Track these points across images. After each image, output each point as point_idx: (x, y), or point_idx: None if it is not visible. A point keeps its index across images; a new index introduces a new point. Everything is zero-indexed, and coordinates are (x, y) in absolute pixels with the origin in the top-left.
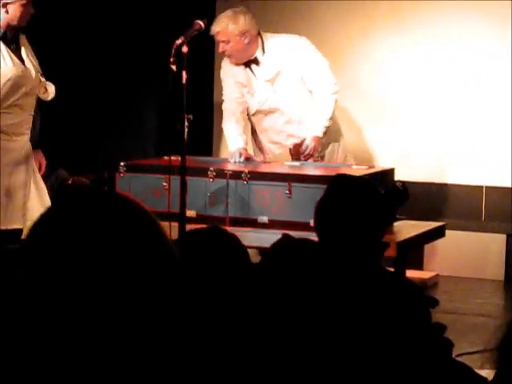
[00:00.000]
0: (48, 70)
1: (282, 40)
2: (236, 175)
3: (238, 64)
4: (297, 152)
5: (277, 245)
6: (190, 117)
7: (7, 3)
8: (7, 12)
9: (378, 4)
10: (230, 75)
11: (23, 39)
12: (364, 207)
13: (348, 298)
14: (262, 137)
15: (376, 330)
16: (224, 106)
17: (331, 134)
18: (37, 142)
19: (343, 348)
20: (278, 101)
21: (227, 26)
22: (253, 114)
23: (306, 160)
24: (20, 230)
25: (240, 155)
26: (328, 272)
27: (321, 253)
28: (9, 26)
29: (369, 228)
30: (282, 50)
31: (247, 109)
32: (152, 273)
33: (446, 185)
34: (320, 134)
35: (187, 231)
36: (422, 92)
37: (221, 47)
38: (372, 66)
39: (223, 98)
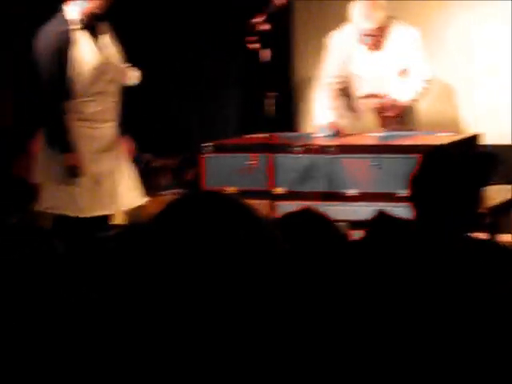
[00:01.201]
0: (131, 56)
1: (400, 28)
2: (323, 150)
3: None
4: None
5: (373, 221)
6: (276, 94)
7: None
8: (81, 4)
9: None
10: (338, 50)
11: (105, 27)
12: (459, 177)
13: (448, 273)
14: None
15: (471, 305)
16: (321, 80)
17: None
18: (123, 128)
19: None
20: (381, 75)
21: (380, 19)
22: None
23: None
24: (110, 216)
25: (329, 128)
26: (427, 249)
27: (419, 228)
28: (90, 15)
29: (466, 198)
30: (401, 38)
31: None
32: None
33: None
34: (401, 102)
35: (281, 216)
36: (505, 58)
37: (372, 39)
38: (460, 25)
39: (323, 71)
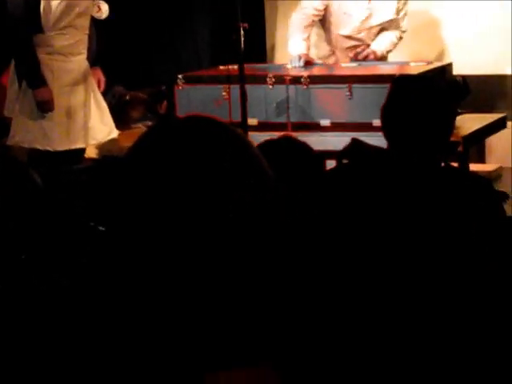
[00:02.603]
0: None
1: None
2: (295, 80)
3: None
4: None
5: (347, 150)
6: (246, 25)
7: None
8: None
9: None
10: None
11: None
12: (431, 105)
13: (422, 200)
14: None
15: (450, 232)
16: (301, 7)
17: None
18: (94, 60)
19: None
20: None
21: None
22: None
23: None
24: (83, 150)
25: (300, 59)
26: (400, 176)
27: (392, 157)
28: None
29: (438, 126)
30: None
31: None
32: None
33: (504, 76)
34: (379, 52)
35: (260, 143)
36: None
37: None
38: None
39: (304, 2)
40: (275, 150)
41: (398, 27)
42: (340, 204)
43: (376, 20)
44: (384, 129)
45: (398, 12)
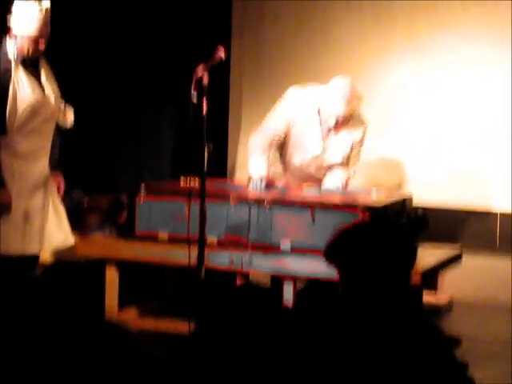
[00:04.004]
0: (67, 93)
1: (357, 120)
2: (258, 201)
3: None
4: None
5: (303, 291)
6: (210, 146)
7: (15, 35)
8: (16, 41)
9: (394, 28)
10: (292, 113)
11: (43, 63)
12: (391, 242)
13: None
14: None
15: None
16: (263, 129)
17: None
18: (56, 164)
19: None
20: (331, 156)
21: (357, 108)
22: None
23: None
24: (37, 255)
25: (261, 181)
26: (349, 317)
27: (343, 296)
28: (26, 52)
29: (396, 263)
30: (354, 131)
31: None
32: None
33: (461, 210)
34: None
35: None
36: (438, 117)
37: (339, 124)
38: (387, 90)
39: (269, 122)
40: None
41: (349, 165)
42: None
43: (328, 159)
44: (337, 261)
45: (351, 155)
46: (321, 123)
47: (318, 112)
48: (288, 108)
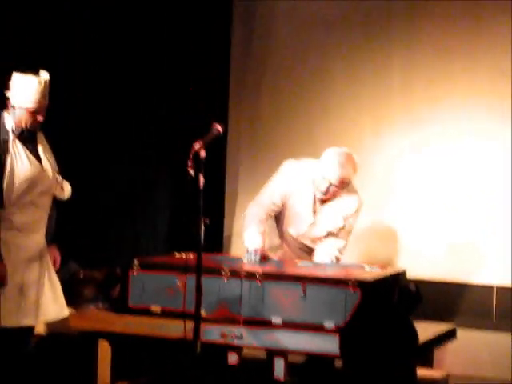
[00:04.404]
0: (65, 168)
1: (351, 191)
2: (250, 275)
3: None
4: None
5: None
6: (207, 220)
7: (13, 106)
8: (14, 114)
9: (392, 99)
10: (287, 185)
11: (41, 137)
12: (385, 311)
13: None
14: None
15: None
16: (259, 200)
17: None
18: (52, 238)
19: None
20: (324, 226)
21: (351, 176)
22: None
23: None
24: (32, 327)
25: (255, 254)
26: None
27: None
28: (24, 125)
29: (392, 336)
30: (348, 202)
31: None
32: None
33: (456, 284)
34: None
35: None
36: (435, 189)
37: (331, 191)
38: (384, 161)
39: (263, 196)
40: None
41: (340, 241)
42: None
43: (321, 230)
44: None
45: (345, 226)
46: (314, 193)
47: (313, 183)
48: (283, 180)
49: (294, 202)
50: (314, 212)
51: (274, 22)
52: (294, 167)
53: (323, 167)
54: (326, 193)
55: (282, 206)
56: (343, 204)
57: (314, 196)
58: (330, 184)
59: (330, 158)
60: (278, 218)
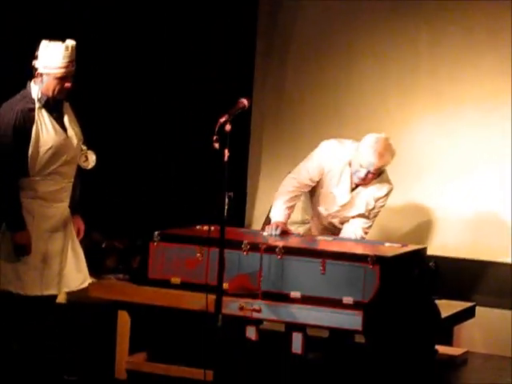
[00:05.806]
0: (89, 138)
1: (384, 178)
2: (270, 249)
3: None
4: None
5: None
6: (231, 194)
7: (41, 73)
8: (41, 82)
9: (417, 80)
10: (326, 162)
11: (67, 107)
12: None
13: None
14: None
15: None
16: (294, 176)
17: None
18: (76, 208)
19: None
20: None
21: (388, 164)
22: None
23: None
24: (54, 296)
25: (276, 228)
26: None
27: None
28: (50, 94)
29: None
30: (379, 188)
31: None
32: None
33: (476, 261)
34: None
35: None
36: (459, 169)
37: (369, 177)
38: (409, 146)
39: (300, 170)
40: None
41: (367, 222)
42: None
43: (352, 211)
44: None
45: (375, 207)
46: (351, 175)
47: (349, 164)
48: (324, 158)
49: (330, 180)
50: (349, 193)
51: None
52: (335, 146)
53: (362, 155)
54: (364, 179)
55: (317, 183)
56: (375, 187)
57: (351, 178)
58: (369, 172)
59: (368, 147)
60: (313, 193)
